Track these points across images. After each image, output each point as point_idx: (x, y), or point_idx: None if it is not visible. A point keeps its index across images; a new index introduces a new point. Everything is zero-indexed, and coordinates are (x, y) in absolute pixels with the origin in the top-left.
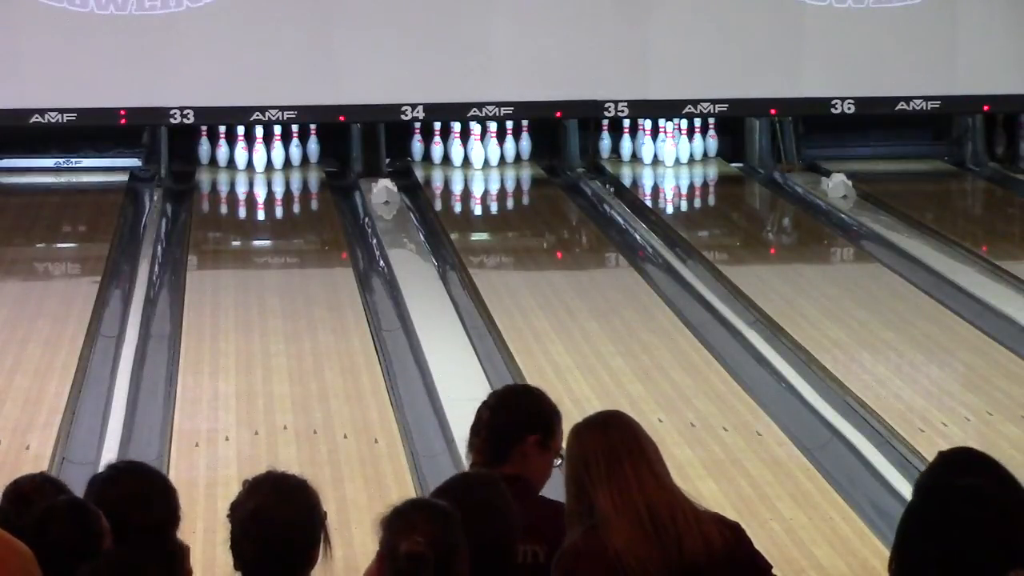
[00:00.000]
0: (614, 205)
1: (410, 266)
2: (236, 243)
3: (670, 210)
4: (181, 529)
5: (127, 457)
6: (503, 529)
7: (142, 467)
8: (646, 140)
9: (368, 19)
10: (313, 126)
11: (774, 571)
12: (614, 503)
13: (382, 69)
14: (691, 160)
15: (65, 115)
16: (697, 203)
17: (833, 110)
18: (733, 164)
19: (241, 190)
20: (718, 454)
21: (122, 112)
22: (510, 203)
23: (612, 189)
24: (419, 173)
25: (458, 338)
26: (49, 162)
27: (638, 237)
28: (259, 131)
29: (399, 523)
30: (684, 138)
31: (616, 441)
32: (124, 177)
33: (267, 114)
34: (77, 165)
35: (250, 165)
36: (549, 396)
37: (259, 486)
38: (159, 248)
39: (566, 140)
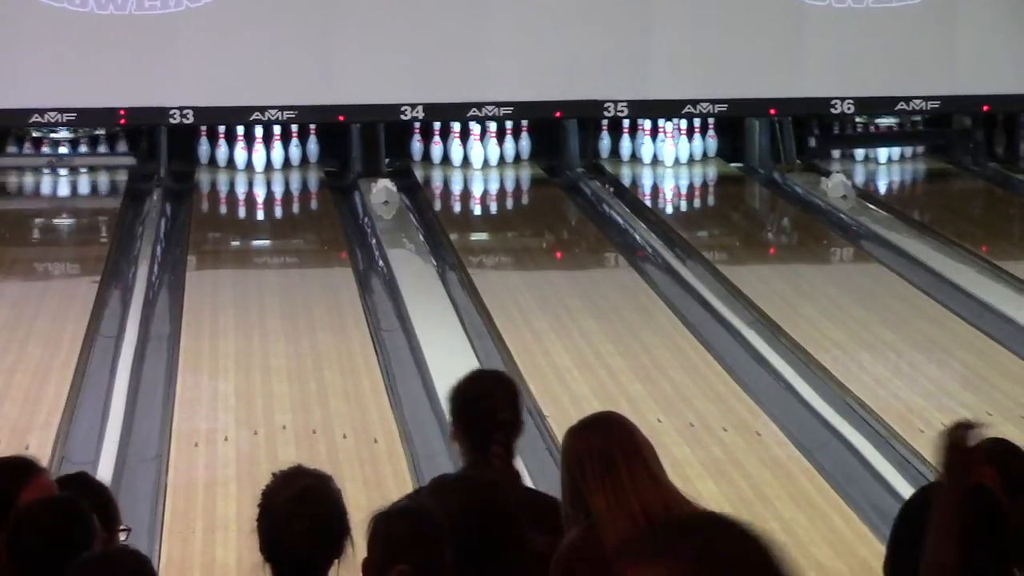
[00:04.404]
0: (614, 205)
1: (410, 266)
2: (236, 243)
3: (670, 210)
4: (181, 529)
5: (127, 458)
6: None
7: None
8: (646, 140)
9: (368, 19)
10: (313, 126)
11: None
12: (609, 503)
13: (382, 69)
14: (691, 160)
15: (65, 115)
16: (697, 203)
17: (833, 110)
18: (733, 164)
19: (241, 190)
20: (718, 454)
21: (122, 112)
22: (510, 203)
23: (612, 189)
24: (418, 173)
25: (458, 338)
26: (41, 160)
27: (638, 237)
28: (259, 131)
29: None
30: (684, 138)
31: (611, 442)
32: (123, 177)
33: (267, 114)
34: (70, 164)
35: (249, 165)
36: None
37: (298, 474)
38: (159, 248)
39: (566, 140)
